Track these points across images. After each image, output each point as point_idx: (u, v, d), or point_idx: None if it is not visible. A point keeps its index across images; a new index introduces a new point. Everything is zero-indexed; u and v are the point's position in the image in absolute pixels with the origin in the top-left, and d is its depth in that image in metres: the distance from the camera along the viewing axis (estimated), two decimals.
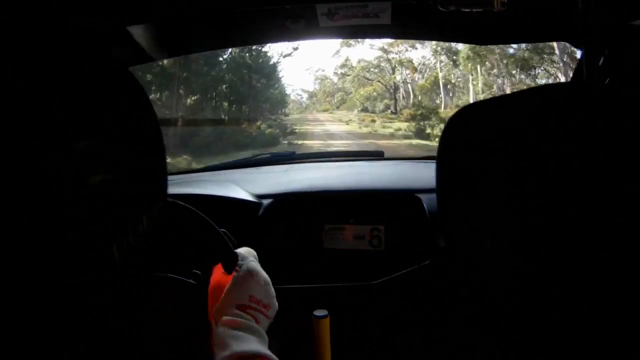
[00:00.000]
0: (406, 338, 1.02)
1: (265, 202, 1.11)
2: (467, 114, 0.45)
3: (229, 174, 1.41)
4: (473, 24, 1.05)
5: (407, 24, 1.13)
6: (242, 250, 0.66)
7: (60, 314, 0.31)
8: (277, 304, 0.65)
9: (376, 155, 1.57)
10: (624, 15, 0.78)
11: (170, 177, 0.47)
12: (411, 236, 1.08)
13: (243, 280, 0.61)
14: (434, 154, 0.47)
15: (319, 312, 0.81)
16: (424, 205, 1.06)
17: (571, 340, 0.40)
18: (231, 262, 0.62)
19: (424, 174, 1.21)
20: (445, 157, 0.46)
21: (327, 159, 1.56)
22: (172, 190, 1.05)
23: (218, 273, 0.64)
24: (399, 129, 10.58)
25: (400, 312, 1.04)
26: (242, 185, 1.17)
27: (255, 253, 0.67)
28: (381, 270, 1.05)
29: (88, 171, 0.31)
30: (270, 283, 0.65)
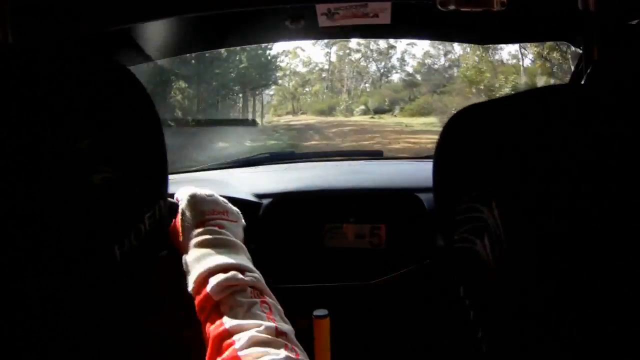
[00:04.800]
0: (406, 338, 1.02)
1: (265, 201, 1.11)
2: (467, 115, 0.45)
3: (229, 174, 1.41)
4: (473, 24, 1.05)
5: (407, 24, 1.13)
6: (178, 191, 0.65)
7: (61, 315, 0.31)
8: (235, 208, 0.63)
9: (375, 155, 1.57)
10: (624, 15, 0.78)
11: (170, 177, 0.47)
12: (411, 235, 1.08)
13: (188, 205, 0.60)
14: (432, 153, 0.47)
15: (319, 312, 0.81)
16: (424, 204, 1.06)
17: (575, 342, 0.40)
18: (174, 205, 0.61)
19: (423, 174, 1.21)
20: (442, 158, 0.46)
21: (327, 158, 1.56)
22: (173, 189, 1.05)
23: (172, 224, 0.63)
24: None
25: (401, 311, 1.04)
26: (242, 185, 1.17)
27: (191, 187, 0.65)
28: (381, 269, 1.05)
29: (89, 170, 0.31)
30: (215, 194, 0.63)
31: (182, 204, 0.61)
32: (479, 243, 0.43)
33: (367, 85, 13.46)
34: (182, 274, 0.59)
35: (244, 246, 0.59)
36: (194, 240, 0.56)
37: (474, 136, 0.43)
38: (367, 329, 1.05)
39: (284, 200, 1.12)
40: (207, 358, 0.47)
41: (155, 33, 1.06)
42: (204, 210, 0.59)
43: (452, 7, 0.83)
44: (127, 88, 0.37)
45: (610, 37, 0.81)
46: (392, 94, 12.33)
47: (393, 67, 13.09)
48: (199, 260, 0.53)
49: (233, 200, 1.10)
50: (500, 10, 0.81)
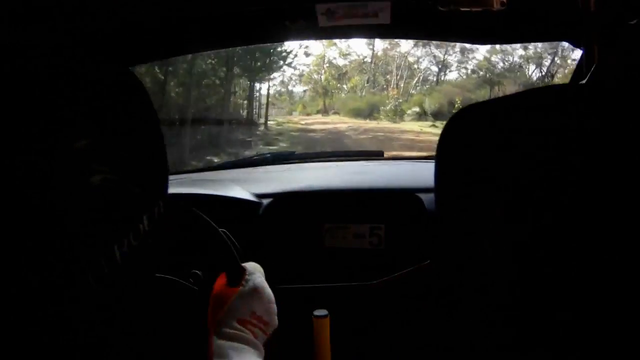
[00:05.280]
0: (406, 338, 1.02)
1: (265, 201, 1.11)
2: (468, 114, 0.45)
3: (229, 174, 1.41)
4: (473, 24, 1.05)
5: (407, 24, 1.13)
6: (249, 265, 0.66)
7: (62, 315, 0.31)
8: (277, 321, 0.65)
9: (376, 155, 1.57)
10: (625, 15, 0.78)
11: (170, 177, 0.47)
12: (411, 235, 1.08)
13: (248, 296, 0.61)
14: (434, 153, 0.47)
15: (319, 312, 0.81)
16: (425, 204, 1.06)
17: (574, 340, 0.40)
18: (237, 276, 0.63)
19: (424, 174, 1.21)
20: (444, 157, 0.46)
21: (327, 158, 1.56)
22: (173, 190, 1.05)
23: (222, 283, 0.64)
24: None
25: (400, 312, 1.04)
26: (242, 185, 1.17)
27: (262, 269, 0.67)
28: (381, 269, 1.05)
29: (89, 170, 0.31)
30: (274, 301, 0.65)
31: (245, 288, 0.62)
32: (480, 242, 0.43)
33: (421, 80, 9.23)
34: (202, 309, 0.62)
35: (263, 352, 0.61)
36: (231, 331, 0.58)
37: (475, 136, 0.43)
38: (367, 329, 1.05)
39: (284, 200, 1.12)
40: None
41: (155, 33, 1.06)
42: (254, 312, 0.60)
43: (452, 7, 0.83)
44: (126, 88, 0.37)
45: (611, 37, 0.80)
46: (463, 93, 8.40)
47: (461, 56, 8.96)
48: (235, 351, 0.55)
49: (233, 200, 1.10)
50: (500, 10, 0.81)
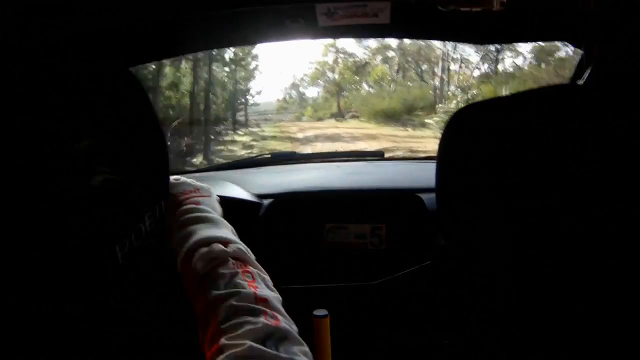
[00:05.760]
0: (406, 338, 1.02)
1: (266, 202, 1.11)
2: (468, 114, 0.45)
3: (229, 174, 1.41)
4: (473, 24, 1.05)
5: (407, 24, 1.13)
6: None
7: (64, 315, 0.31)
8: (206, 186, 0.66)
9: (376, 156, 1.57)
10: (625, 15, 0.78)
11: (170, 177, 0.47)
12: (412, 235, 1.08)
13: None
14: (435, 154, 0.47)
15: (319, 312, 0.82)
16: (425, 205, 1.06)
17: (571, 339, 0.40)
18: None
19: (425, 174, 1.22)
20: (445, 157, 0.46)
21: (328, 159, 1.56)
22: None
23: None
24: None
25: (401, 312, 1.04)
26: (243, 185, 1.17)
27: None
28: (382, 269, 1.05)
29: (90, 171, 0.31)
30: (181, 177, 0.67)
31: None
32: (480, 242, 0.43)
33: (479, 67, 5.70)
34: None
35: (224, 220, 0.59)
36: (175, 224, 0.57)
37: (476, 136, 0.43)
38: (367, 329, 1.05)
39: (284, 200, 1.12)
40: (200, 334, 0.47)
41: (155, 33, 1.05)
42: (175, 194, 0.61)
43: (451, 7, 0.83)
44: (128, 90, 0.37)
45: (611, 36, 0.81)
46: (563, 78, 4.95)
47: None
48: (182, 240, 0.54)
49: (233, 201, 1.10)
50: (500, 10, 0.81)
